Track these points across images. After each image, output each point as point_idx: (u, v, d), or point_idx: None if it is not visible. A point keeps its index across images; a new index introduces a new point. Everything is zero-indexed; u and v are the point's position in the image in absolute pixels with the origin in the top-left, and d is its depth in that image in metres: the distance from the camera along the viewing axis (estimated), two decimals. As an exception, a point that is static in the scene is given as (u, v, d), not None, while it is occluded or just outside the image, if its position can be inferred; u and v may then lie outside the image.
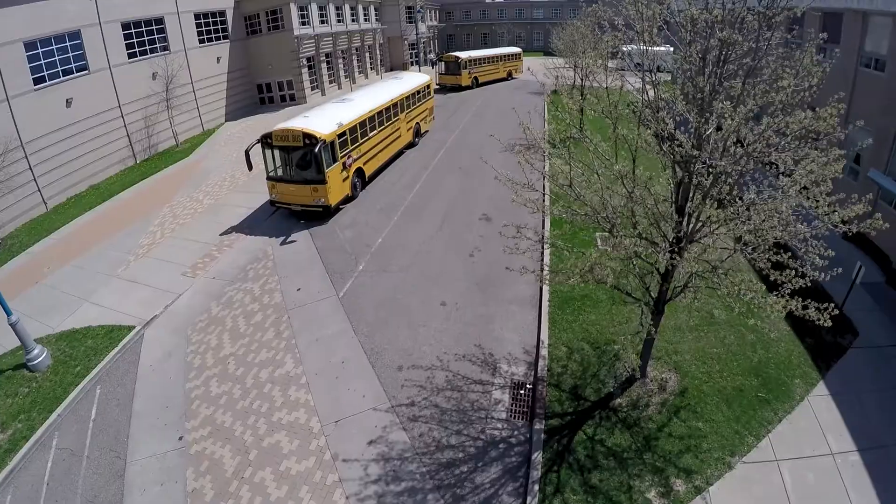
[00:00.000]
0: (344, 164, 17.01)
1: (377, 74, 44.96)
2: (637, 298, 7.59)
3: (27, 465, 8.90)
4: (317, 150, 15.19)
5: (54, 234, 18.18)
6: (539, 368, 9.25)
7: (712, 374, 9.10)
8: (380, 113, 20.30)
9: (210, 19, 32.29)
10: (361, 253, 14.55)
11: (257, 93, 36.18)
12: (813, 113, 5.10)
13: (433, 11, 60.06)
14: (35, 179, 21.43)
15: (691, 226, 6.22)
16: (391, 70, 49.60)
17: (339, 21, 39.47)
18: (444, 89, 38.50)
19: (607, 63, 7.48)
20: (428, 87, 26.64)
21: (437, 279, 12.87)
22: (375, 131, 19.87)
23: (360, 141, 18.41)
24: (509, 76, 42.95)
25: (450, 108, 33.09)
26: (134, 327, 12.22)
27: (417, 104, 25.31)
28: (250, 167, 16.66)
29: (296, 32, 33.69)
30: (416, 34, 44.50)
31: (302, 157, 15.99)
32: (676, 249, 6.29)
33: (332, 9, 38.06)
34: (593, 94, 7.09)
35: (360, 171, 18.70)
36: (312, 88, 36.46)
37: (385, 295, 12.30)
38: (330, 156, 16.18)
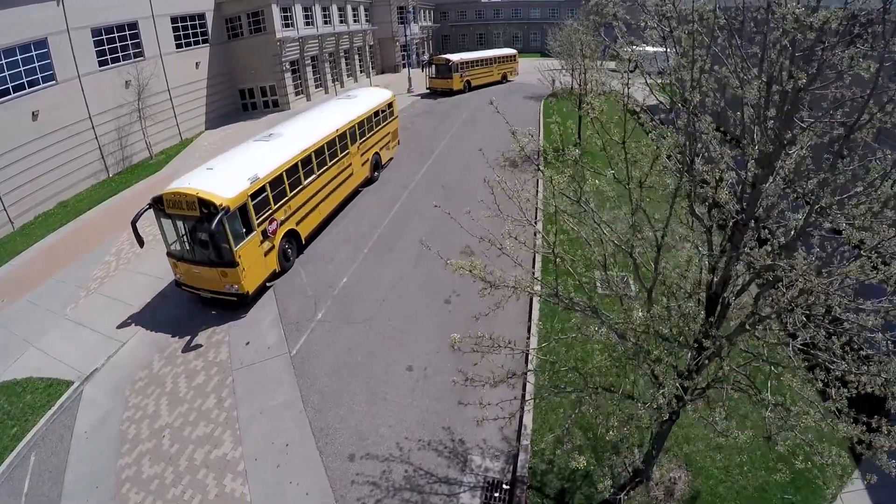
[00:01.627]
0: (265, 232, 12.63)
1: (367, 77, 43.27)
2: (649, 404, 5.88)
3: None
4: (215, 223, 10.76)
5: (15, 260, 17.22)
6: (519, 463, 7.65)
7: (730, 468, 7.50)
8: (319, 151, 15.52)
9: (188, 23, 30.70)
10: (322, 296, 12.82)
11: (240, 99, 34.60)
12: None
13: (427, 11, 58.25)
14: (0, 198, 20.22)
15: (727, 325, 4.52)
16: (382, 73, 47.93)
17: (325, 22, 37.80)
18: (434, 94, 36.63)
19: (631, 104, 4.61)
20: (390, 105, 21.52)
21: (404, 334, 11.07)
22: (314, 176, 15.14)
23: (291, 194, 13.88)
24: (504, 79, 41.12)
25: (438, 115, 31.17)
26: (72, 383, 11.03)
27: (376, 129, 20.07)
28: (140, 242, 12.04)
29: (278, 35, 32.06)
30: (406, 36, 42.77)
31: (201, 232, 11.57)
32: (706, 357, 4.65)
33: (318, 10, 36.39)
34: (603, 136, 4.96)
35: (293, 233, 14.26)
36: (297, 94, 34.84)
37: (343, 354, 10.61)
38: (241, 226, 11.82)
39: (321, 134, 15.92)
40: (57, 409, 10.46)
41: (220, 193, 11.45)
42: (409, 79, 38.02)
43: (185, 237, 12.06)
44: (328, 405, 9.23)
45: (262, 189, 12.66)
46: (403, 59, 48.90)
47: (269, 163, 13.32)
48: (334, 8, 38.74)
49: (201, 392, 10.01)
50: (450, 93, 36.24)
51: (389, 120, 21.56)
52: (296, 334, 11.17)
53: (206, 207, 11.23)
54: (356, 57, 43.01)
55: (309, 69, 35.75)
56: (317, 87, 37.01)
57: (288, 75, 33.58)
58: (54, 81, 23.06)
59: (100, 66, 25.36)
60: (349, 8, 41.00)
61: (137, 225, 11.92)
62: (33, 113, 21.99)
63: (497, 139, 24.65)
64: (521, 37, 64.08)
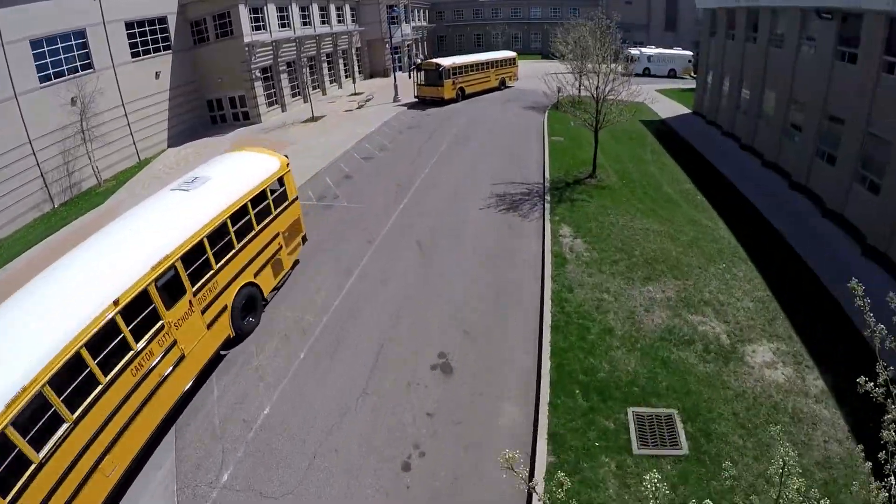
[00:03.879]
0: None
1: (353, 83, 40.01)
2: None
3: None
4: None
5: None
6: None
7: None
8: (72, 366, 6.57)
9: (147, 28, 27.73)
10: (233, 442, 8.61)
11: (208, 111, 31.59)
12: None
13: (421, 11, 54.69)
14: (-71, 242, 17.75)
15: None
16: (371, 77, 44.61)
17: (305, 23, 34.59)
18: (423, 103, 33.02)
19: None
20: (281, 181, 12.07)
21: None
22: (67, 426, 6.46)
23: (12, 495, 5.73)
24: (502, 85, 37.46)
25: (424, 133, 27.13)
26: None
27: (247, 241, 10.70)
28: None
29: (246, 39, 28.95)
30: (392, 36, 39.42)
31: None
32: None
33: (295, 9, 33.17)
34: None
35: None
36: (270, 104, 31.73)
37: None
38: None
39: (90, 312, 7.02)
40: None
41: None
42: (396, 86, 34.67)
43: None
44: None
45: None
46: (394, 63, 45.62)
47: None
48: (315, 7, 35.48)
49: None
50: (441, 102, 32.58)
51: (278, 212, 11.88)
52: (188, 505, 7.83)
53: None
54: (341, 61, 39.76)
55: (284, 76, 32.60)
56: (294, 96, 33.88)
57: (259, 84, 30.46)
58: (-14, 103, 20.41)
59: (41, 82, 22.66)
60: (332, 7, 37.69)
61: None
62: (-38, 141, 19.37)
63: (493, 172, 20.86)
64: (520, 37, 60.73)
